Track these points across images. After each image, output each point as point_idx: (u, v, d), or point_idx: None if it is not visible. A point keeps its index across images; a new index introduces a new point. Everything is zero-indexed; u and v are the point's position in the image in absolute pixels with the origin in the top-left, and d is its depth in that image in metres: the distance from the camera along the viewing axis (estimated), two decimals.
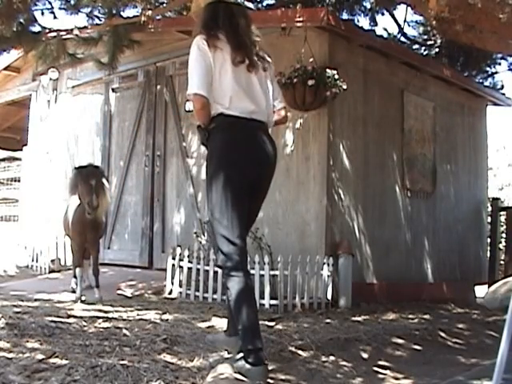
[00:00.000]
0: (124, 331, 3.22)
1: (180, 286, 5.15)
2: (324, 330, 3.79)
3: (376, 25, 8.41)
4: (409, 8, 7.93)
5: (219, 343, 3.03)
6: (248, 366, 2.49)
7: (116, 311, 4.13)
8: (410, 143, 6.29)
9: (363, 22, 10.88)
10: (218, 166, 2.68)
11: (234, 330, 2.82)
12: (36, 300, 4.62)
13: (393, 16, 8.66)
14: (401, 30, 8.86)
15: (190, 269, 5.08)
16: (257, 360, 2.50)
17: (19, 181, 9.02)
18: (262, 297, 4.64)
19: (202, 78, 2.65)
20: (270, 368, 2.65)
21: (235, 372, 2.47)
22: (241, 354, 2.55)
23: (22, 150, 8.93)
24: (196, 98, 2.66)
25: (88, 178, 4.66)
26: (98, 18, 5.60)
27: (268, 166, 2.80)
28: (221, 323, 3.84)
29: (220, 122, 2.69)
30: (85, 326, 3.33)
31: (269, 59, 2.90)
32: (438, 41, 8.74)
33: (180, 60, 6.33)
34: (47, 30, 5.33)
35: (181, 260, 5.16)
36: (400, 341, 3.69)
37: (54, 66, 6.90)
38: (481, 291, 7.08)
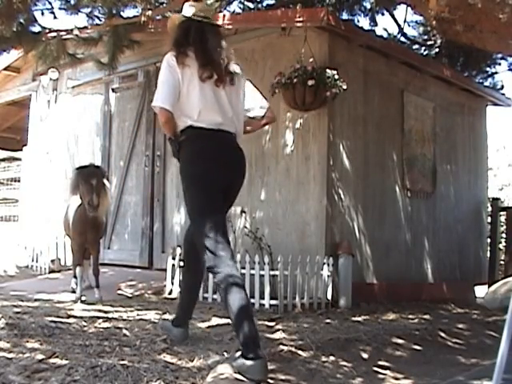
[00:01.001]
0: (124, 331, 3.22)
1: (180, 286, 5.14)
2: (324, 330, 3.79)
3: (376, 25, 8.42)
4: (409, 8, 7.94)
5: (169, 332, 3.16)
6: (248, 362, 2.48)
7: (116, 311, 4.13)
8: (409, 143, 6.29)
9: (363, 22, 10.86)
10: (192, 176, 2.85)
11: (182, 320, 3.17)
12: (36, 300, 4.62)
13: (393, 16, 8.66)
14: (401, 30, 8.86)
15: None
16: (255, 354, 2.49)
17: (19, 181, 9.01)
18: (261, 297, 4.65)
19: (168, 92, 2.82)
20: (269, 368, 2.65)
21: (235, 372, 2.48)
22: (239, 352, 2.55)
23: (22, 150, 8.92)
24: (161, 111, 2.83)
25: (89, 178, 4.67)
26: (98, 18, 5.58)
27: (238, 172, 2.97)
28: (221, 323, 3.85)
29: (189, 134, 2.85)
30: (85, 326, 3.33)
31: (239, 71, 3.03)
32: (438, 41, 8.73)
33: None
34: (47, 30, 5.32)
35: (181, 260, 5.15)
36: (400, 341, 3.69)
37: (54, 66, 6.88)
38: (481, 291, 7.08)
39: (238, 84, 3.00)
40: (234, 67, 2.99)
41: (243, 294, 2.63)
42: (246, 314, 2.62)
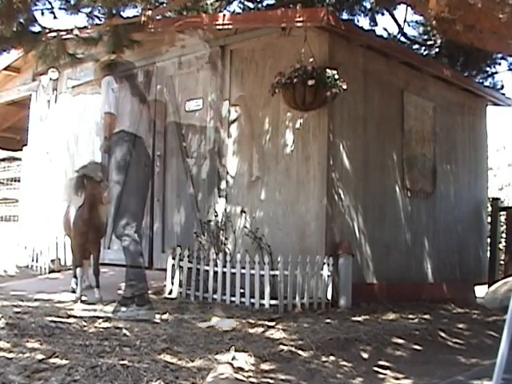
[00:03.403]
0: (124, 331, 3.23)
1: (180, 285, 5.14)
2: (324, 330, 3.79)
3: (376, 25, 8.41)
4: (409, 8, 7.93)
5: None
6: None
7: None
8: (409, 143, 6.29)
9: (363, 21, 10.84)
10: (125, 167, 4.00)
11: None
12: (36, 300, 4.62)
13: (393, 16, 8.65)
14: (401, 30, 8.85)
15: (189, 269, 5.08)
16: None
17: (19, 181, 9.00)
18: (262, 297, 4.64)
19: (112, 102, 4.04)
20: (270, 368, 2.65)
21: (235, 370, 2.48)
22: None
23: (22, 150, 8.91)
24: (110, 116, 4.03)
25: (92, 173, 4.74)
26: (98, 18, 5.58)
27: (149, 168, 4.39)
28: (221, 323, 3.85)
29: (122, 136, 4.07)
30: (85, 326, 3.33)
31: None
32: (438, 41, 8.73)
33: (180, 60, 6.33)
34: (47, 30, 5.32)
35: (181, 260, 5.15)
36: (400, 341, 3.69)
37: (54, 66, 6.89)
38: (481, 291, 7.08)
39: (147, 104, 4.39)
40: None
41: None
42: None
